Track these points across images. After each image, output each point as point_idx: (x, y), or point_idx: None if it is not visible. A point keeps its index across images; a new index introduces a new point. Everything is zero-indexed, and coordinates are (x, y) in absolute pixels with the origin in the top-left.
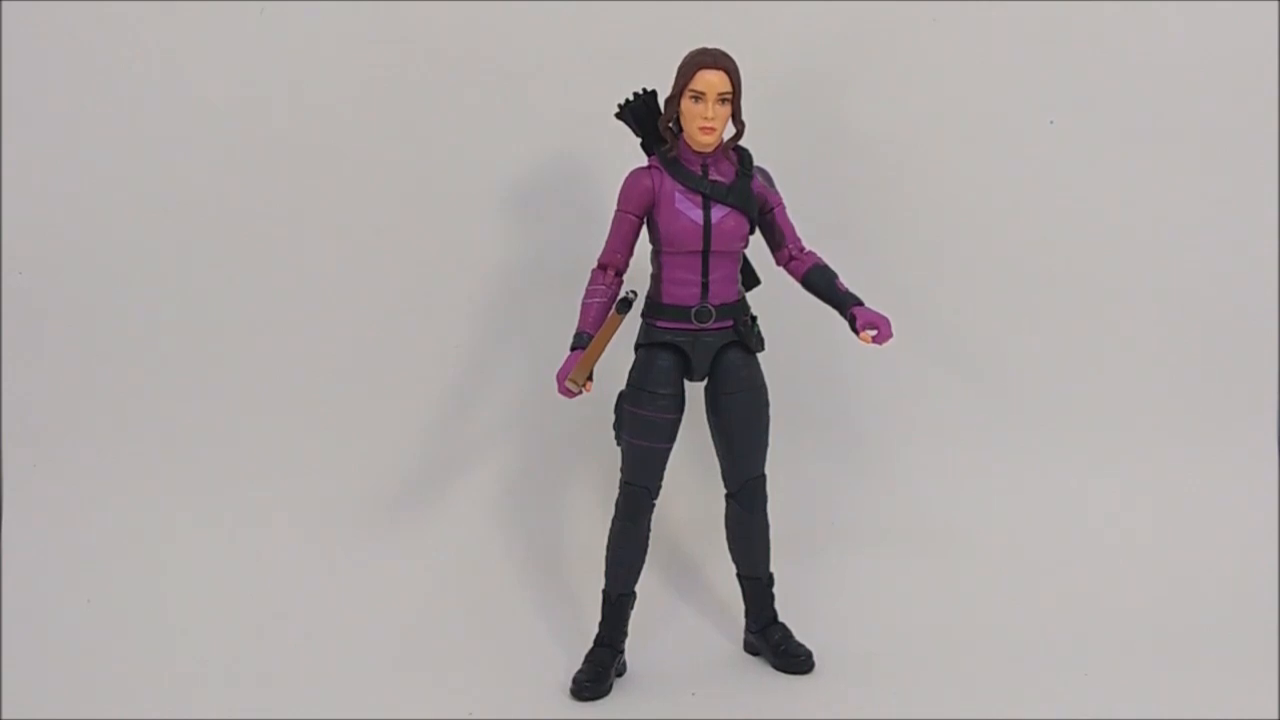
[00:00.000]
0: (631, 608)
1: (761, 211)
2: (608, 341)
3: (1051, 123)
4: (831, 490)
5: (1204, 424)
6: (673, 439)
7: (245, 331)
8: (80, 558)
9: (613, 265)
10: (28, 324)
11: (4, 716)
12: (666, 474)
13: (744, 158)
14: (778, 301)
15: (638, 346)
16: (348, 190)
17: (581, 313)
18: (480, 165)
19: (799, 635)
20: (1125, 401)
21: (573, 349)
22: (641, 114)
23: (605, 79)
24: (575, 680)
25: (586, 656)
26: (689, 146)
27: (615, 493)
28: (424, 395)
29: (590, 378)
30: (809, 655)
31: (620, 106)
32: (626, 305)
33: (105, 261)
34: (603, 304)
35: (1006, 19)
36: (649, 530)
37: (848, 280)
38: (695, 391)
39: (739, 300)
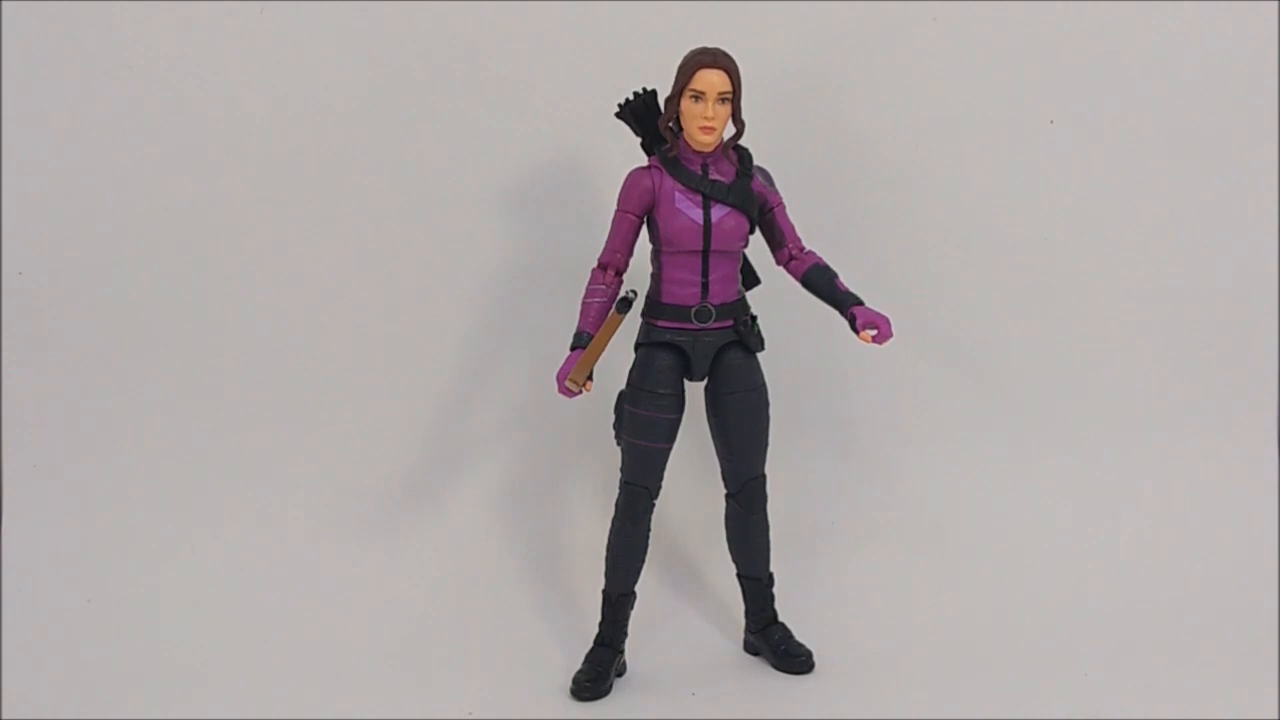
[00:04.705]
0: (631, 608)
1: (761, 211)
2: (608, 341)
3: (1051, 123)
4: (831, 490)
5: (1205, 423)
6: (673, 439)
7: (245, 331)
8: (80, 558)
9: (613, 265)
10: (28, 324)
11: (4, 717)
12: (666, 474)
13: (744, 157)
14: (778, 301)
15: (638, 346)
16: (348, 190)
17: (581, 312)
18: (480, 165)
19: (799, 635)
20: (1125, 401)
21: (573, 349)
22: (641, 114)
23: (605, 79)
24: (575, 680)
25: (586, 656)
26: (689, 146)
27: (615, 493)
28: (424, 395)
29: (590, 377)
30: (809, 655)
31: (620, 106)
32: (626, 305)
33: (105, 262)
34: (603, 304)
35: (1007, 19)
36: (649, 530)
37: (848, 280)
38: (695, 391)
39: (739, 300)
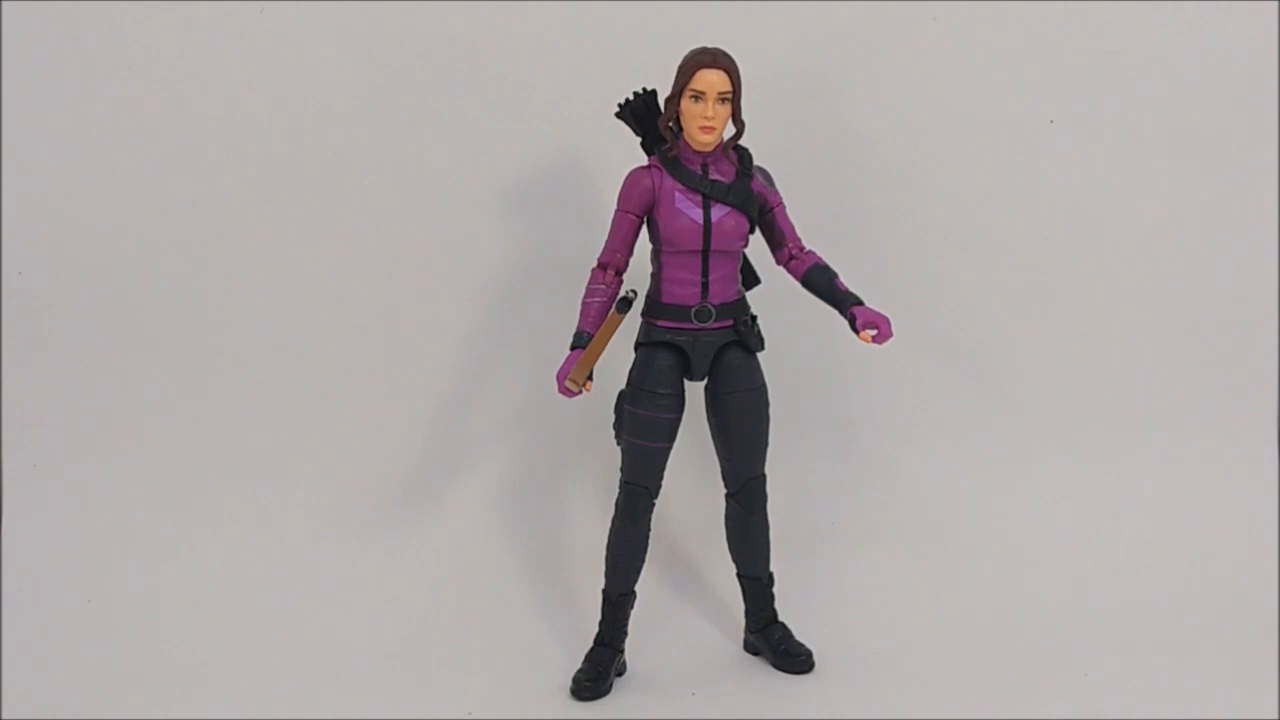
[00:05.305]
0: (631, 607)
1: (761, 211)
2: (608, 341)
3: (1051, 122)
4: (831, 490)
5: (1205, 422)
6: (673, 438)
7: (245, 331)
8: (80, 558)
9: (613, 265)
10: (28, 324)
11: (4, 717)
12: (666, 474)
13: (744, 157)
14: (778, 301)
15: (638, 346)
16: (348, 190)
17: (581, 312)
18: (480, 165)
19: (799, 635)
20: (1125, 401)
21: (573, 348)
22: (641, 113)
23: (605, 79)
24: (575, 680)
25: (586, 656)
26: (689, 146)
27: (615, 493)
28: (424, 395)
29: (590, 377)
30: (809, 655)
31: (620, 106)
32: (626, 305)
33: (105, 262)
34: (603, 303)
35: (1007, 19)
36: (649, 530)
37: (848, 280)
38: (695, 391)
39: (739, 300)
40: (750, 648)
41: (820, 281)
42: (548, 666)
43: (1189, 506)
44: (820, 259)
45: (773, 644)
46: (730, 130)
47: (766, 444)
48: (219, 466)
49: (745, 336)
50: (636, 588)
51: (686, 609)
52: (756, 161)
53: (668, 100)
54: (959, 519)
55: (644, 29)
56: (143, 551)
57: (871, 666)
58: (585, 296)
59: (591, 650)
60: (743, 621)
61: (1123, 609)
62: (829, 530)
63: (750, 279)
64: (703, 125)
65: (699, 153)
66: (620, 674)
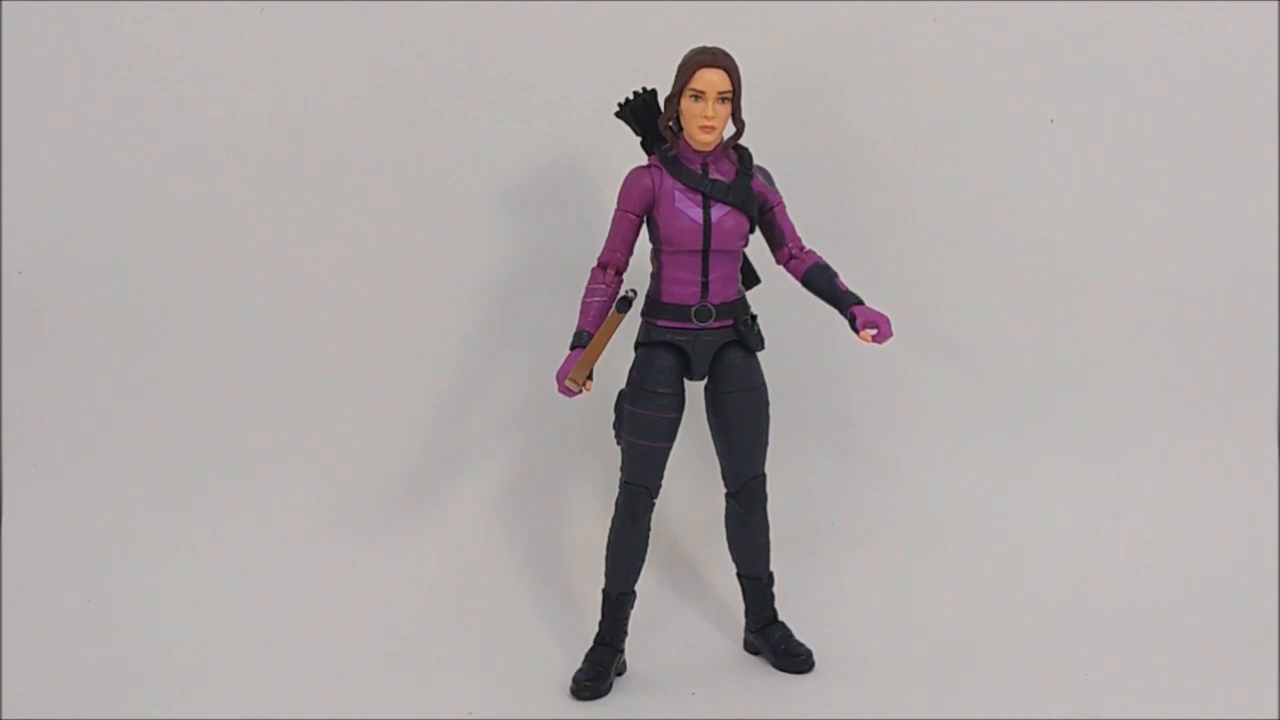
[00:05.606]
0: (631, 607)
1: (761, 210)
2: (608, 340)
3: (1052, 122)
4: (831, 490)
5: (1205, 422)
6: (673, 438)
7: (245, 331)
8: (80, 558)
9: (613, 264)
10: (28, 324)
11: (4, 717)
12: (666, 474)
13: (744, 157)
14: (778, 301)
15: (638, 345)
16: (348, 190)
17: (581, 312)
18: (480, 165)
19: (799, 635)
20: (1126, 401)
21: (572, 348)
22: (641, 113)
23: (605, 79)
24: (575, 680)
25: (586, 656)
26: (689, 145)
27: (615, 492)
28: (424, 395)
29: (590, 377)
30: (809, 655)
31: (620, 106)
32: (626, 304)
33: (105, 262)
34: (603, 303)
35: (1007, 19)
36: (649, 530)
37: (848, 280)
38: (695, 391)
39: (739, 299)
40: (750, 647)
41: (820, 281)
42: (548, 666)
43: (1189, 506)
44: (820, 258)
45: (773, 644)
46: (730, 130)
47: (766, 444)
48: (219, 466)
49: (745, 336)
50: (636, 588)
51: (686, 609)
52: (756, 161)
53: (667, 100)
54: (959, 519)
55: (644, 29)
56: (143, 551)
57: (871, 666)
58: (585, 296)
59: (591, 650)
60: (743, 621)
61: (1123, 609)
62: (829, 530)
63: (750, 279)
64: (703, 125)
65: (699, 152)
66: (620, 674)
